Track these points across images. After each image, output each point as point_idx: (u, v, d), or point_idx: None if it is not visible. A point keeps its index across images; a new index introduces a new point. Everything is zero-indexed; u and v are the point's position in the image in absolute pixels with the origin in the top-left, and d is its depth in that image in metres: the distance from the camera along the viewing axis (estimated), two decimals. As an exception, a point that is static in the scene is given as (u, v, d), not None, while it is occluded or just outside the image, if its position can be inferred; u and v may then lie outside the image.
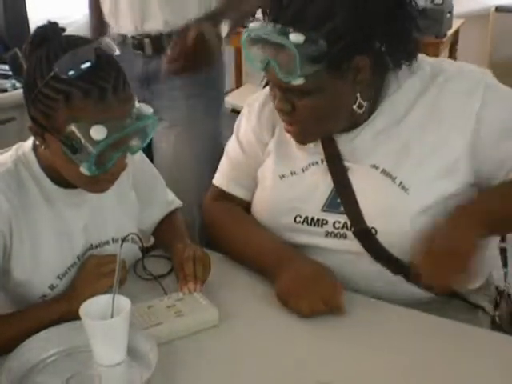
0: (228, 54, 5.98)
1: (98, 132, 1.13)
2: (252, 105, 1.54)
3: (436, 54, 3.85)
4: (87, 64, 1.15)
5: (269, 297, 1.34)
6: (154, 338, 1.17)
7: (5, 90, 2.70)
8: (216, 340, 1.25)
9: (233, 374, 1.17)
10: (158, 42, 1.99)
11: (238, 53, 5.42)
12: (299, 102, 1.29)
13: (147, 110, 1.23)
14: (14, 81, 2.70)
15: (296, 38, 1.21)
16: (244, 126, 1.54)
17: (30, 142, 1.32)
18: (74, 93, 1.14)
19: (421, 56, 1.36)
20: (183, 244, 1.44)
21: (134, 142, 1.24)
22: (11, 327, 1.21)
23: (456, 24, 4.24)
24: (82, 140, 1.14)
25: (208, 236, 1.55)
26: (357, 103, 1.30)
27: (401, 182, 1.32)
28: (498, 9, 4.80)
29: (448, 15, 3.95)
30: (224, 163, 1.59)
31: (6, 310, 1.27)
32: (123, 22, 2.01)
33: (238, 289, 1.41)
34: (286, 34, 1.21)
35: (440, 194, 1.31)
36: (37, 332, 1.19)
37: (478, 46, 4.89)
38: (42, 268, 1.29)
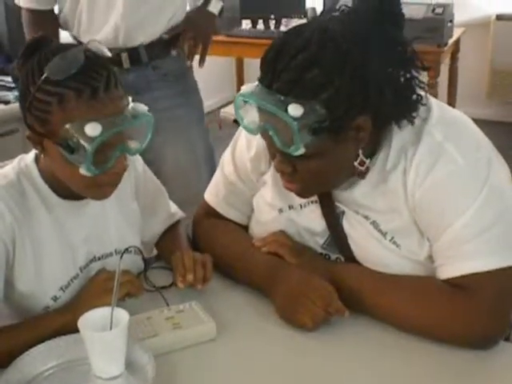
0: (230, 63, 6.05)
1: (92, 129, 1.14)
2: None
3: (437, 63, 3.87)
4: (77, 65, 1.16)
5: (267, 311, 1.34)
6: (152, 351, 1.17)
7: (8, 102, 2.71)
8: (213, 353, 1.25)
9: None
10: (135, 53, 2.07)
11: (239, 62, 5.45)
12: (300, 165, 1.24)
13: (142, 108, 1.24)
14: (16, 93, 2.70)
15: (295, 110, 1.14)
16: (241, 149, 1.49)
17: (31, 154, 1.33)
18: (66, 94, 1.16)
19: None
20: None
21: (133, 145, 1.25)
22: (13, 338, 1.21)
23: (457, 33, 4.25)
24: (78, 139, 1.15)
25: (198, 249, 1.52)
26: (358, 160, 1.25)
27: (392, 238, 1.31)
28: (499, 17, 4.82)
29: (449, 24, 3.97)
30: (219, 181, 1.55)
31: (9, 321, 1.27)
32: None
33: (236, 302, 1.41)
34: (284, 104, 1.14)
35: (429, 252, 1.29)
36: (39, 343, 1.19)
37: (478, 55, 4.91)
38: (44, 279, 1.29)
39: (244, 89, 1.23)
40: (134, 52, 2.07)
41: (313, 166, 1.23)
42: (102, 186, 1.26)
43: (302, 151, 1.18)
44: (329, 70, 1.15)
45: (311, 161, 1.22)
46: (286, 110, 1.15)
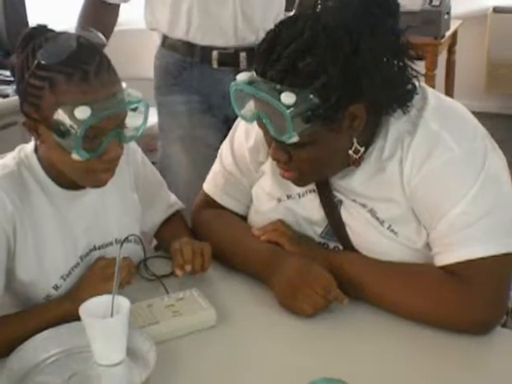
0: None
1: (81, 112, 1.15)
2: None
3: (434, 55, 3.87)
4: (69, 50, 1.17)
5: (267, 298, 1.35)
6: (153, 338, 1.18)
7: (6, 96, 2.72)
8: (214, 340, 1.26)
9: (230, 374, 1.18)
10: (253, 53, 2.00)
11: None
12: (295, 153, 1.25)
13: (136, 94, 1.24)
14: (15, 86, 2.70)
15: (287, 98, 1.15)
16: (240, 139, 1.51)
17: (31, 144, 1.33)
18: (57, 78, 1.16)
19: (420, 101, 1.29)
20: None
21: (129, 132, 1.25)
22: (15, 327, 1.22)
23: (454, 25, 4.24)
24: (68, 122, 1.15)
25: (197, 239, 1.52)
26: (353, 148, 1.26)
27: (389, 226, 1.32)
28: (496, 9, 4.81)
29: (446, 16, 3.96)
30: (218, 171, 1.57)
31: (10, 310, 1.28)
32: (216, 37, 1.98)
33: (236, 289, 1.42)
34: (277, 93, 1.16)
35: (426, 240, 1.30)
36: (41, 331, 1.20)
37: (475, 47, 4.90)
38: (45, 268, 1.30)
39: (239, 77, 1.24)
40: (252, 52, 1.93)
41: (307, 154, 1.24)
42: (96, 173, 1.25)
43: (295, 139, 1.19)
44: (321, 58, 1.16)
45: (306, 149, 1.23)
46: (279, 98, 1.16)
